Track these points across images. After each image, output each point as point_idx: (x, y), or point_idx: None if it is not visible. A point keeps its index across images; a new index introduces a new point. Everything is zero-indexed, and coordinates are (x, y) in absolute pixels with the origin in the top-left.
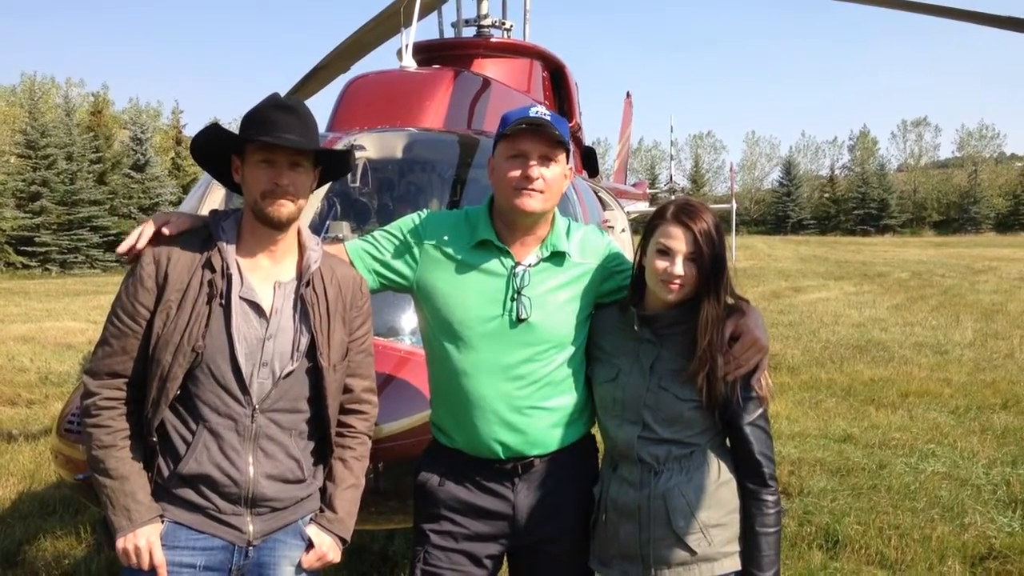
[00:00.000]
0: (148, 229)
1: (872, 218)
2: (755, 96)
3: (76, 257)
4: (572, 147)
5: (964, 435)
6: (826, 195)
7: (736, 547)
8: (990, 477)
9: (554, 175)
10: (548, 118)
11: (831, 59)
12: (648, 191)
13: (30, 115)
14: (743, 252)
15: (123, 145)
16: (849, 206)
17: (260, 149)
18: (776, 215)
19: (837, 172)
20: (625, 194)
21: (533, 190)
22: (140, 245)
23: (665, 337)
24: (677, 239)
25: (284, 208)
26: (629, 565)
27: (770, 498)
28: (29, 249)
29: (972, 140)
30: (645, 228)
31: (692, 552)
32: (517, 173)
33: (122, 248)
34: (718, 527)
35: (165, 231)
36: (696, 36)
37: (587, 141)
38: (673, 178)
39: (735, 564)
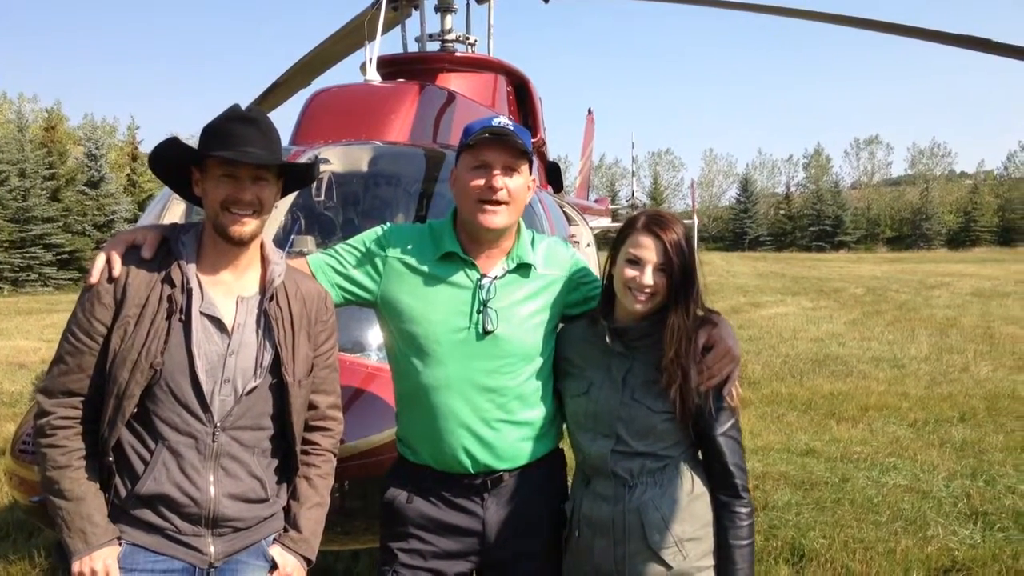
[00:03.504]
0: (116, 255)
1: (827, 234)
2: (713, 114)
3: (28, 275)
4: (536, 161)
5: (924, 448)
6: (782, 212)
7: (711, 561)
8: (951, 490)
9: (517, 186)
10: (511, 128)
11: (786, 78)
12: (610, 207)
13: None
14: (703, 268)
15: (77, 161)
16: (805, 223)
17: (221, 163)
18: (734, 231)
19: (793, 190)
20: (588, 210)
21: (498, 201)
22: (116, 273)
23: (636, 349)
24: (647, 248)
25: (246, 226)
26: None
27: (743, 510)
28: None
29: (923, 158)
30: (615, 238)
31: (668, 567)
32: (480, 183)
33: (94, 279)
34: (693, 541)
35: (145, 255)
36: (655, 54)
37: (550, 156)
38: (635, 194)
39: None
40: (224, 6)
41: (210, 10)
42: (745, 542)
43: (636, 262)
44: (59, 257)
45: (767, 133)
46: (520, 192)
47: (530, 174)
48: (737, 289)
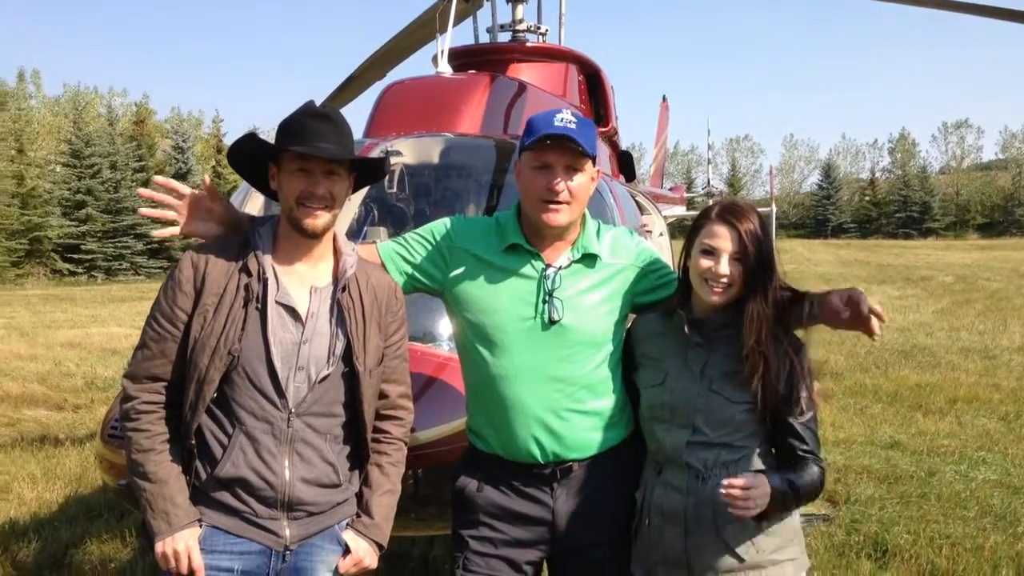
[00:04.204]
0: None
1: (914, 221)
2: (793, 99)
3: (121, 264)
4: (608, 150)
5: (1015, 442)
6: (867, 198)
7: (785, 555)
8: None
9: (579, 184)
10: (574, 127)
11: (870, 60)
12: (685, 195)
13: (75, 125)
14: (783, 256)
15: (165, 154)
16: (890, 209)
17: (296, 158)
18: (815, 219)
19: (878, 175)
20: (662, 198)
21: (560, 202)
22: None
23: (715, 340)
24: (722, 238)
25: (319, 219)
26: (673, 571)
27: (815, 467)
28: (75, 256)
29: (1016, 142)
30: (690, 229)
31: (740, 559)
32: (542, 184)
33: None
34: (766, 534)
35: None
36: (733, 40)
37: (623, 145)
38: (711, 182)
39: (783, 572)
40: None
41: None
42: (807, 482)
43: (711, 252)
44: (149, 246)
45: (850, 118)
46: (582, 190)
47: (594, 166)
48: (819, 277)
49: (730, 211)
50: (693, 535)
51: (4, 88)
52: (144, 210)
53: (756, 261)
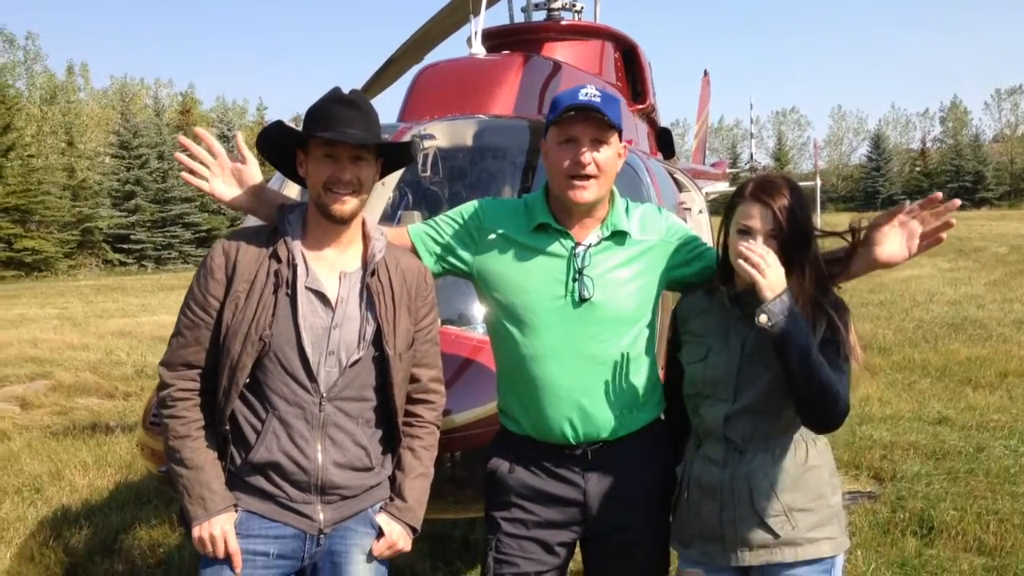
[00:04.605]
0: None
1: (967, 191)
2: (840, 70)
3: (170, 253)
4: (647, 127)
5: None
6: (918, 169)
7: (822, 534)
8: None
9: (606, 158)
10: (598, 100)
11: (918, 28)
12: (728, 171)
13: (122, 116)
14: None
15: None
16: (942, 179)
17: (323, 144)
18: (865, 191)
19: (929, 145)
20: (704, 174)
21: (587, 176)
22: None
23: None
24: (755, 218)
25: (347, 204)
26: (709, 545)
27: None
28: (125, 246)
29: None
30: (726, 207)
31: (775, 535)
32: (569, 159)
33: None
34: (803, 512)
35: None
36: (775, 10)
37: (664, 122)
38: (754, 156)
39: (819, 551)
40: None
41: None
42: (826, 372)
43: (747, 232)
44: (197, 235)
45: (900, 87)
46: (609, 164)
47: (620, 140)
48: None
49: (763, 188)
50: (729, 509)
51: (54, 82)
52: (179, 155)
53: (792, 236)
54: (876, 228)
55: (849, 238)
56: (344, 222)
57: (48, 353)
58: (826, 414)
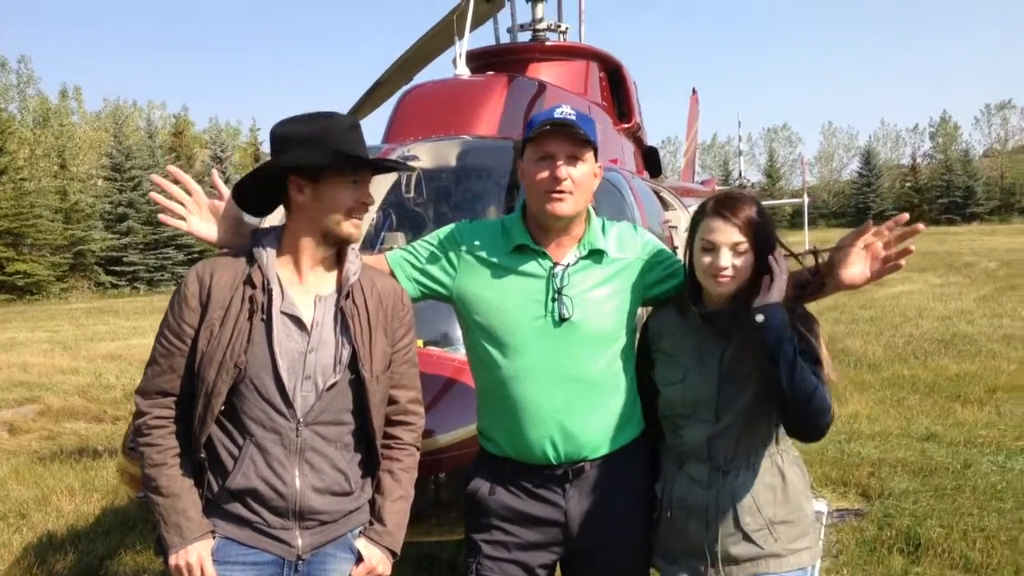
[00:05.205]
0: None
1: (957, 206)
2: (830, 87)
3: (162, 275)
4: (633, 147)
5: None
6: (908, 184)
7: (802, 544)
8: None
9: (582, 174)
10: (573, 117)
11: (909, 45)
12: (717, 188)
13: (115, 139)
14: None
15: (204, 164)
16: (933, 195)
17: (349, 170)
18: (856, 207)
19: (919, 160)
20: (692, 192)
21: (563, 191)
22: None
23: (729, 331)
24: (719, 232)
25: (360, 228)
26: (696, 562)
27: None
28: (117, 269)
29: None
30: (690, 227)
31: (760, 548)
32: (545, 175)
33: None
34: (785, 524)
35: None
36: (766, 27)
37: (656, 140)
38: (743, 174)
39: (801, 561)
40: (335, 4)
41: (319, 9)
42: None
43: (711, 248)
44: (190, 257)
45: (889, 103)
46: (585, 180)
47: (596, 159)
48: None
49: (724, 204)
50: (715, 527)
51: (47, 105)
52: (154, 195)
53: (758, 247)
54: (841, 249)
55: (811, 261)
56: (351, 243)
57: (37, 377)
58: (815, 422)
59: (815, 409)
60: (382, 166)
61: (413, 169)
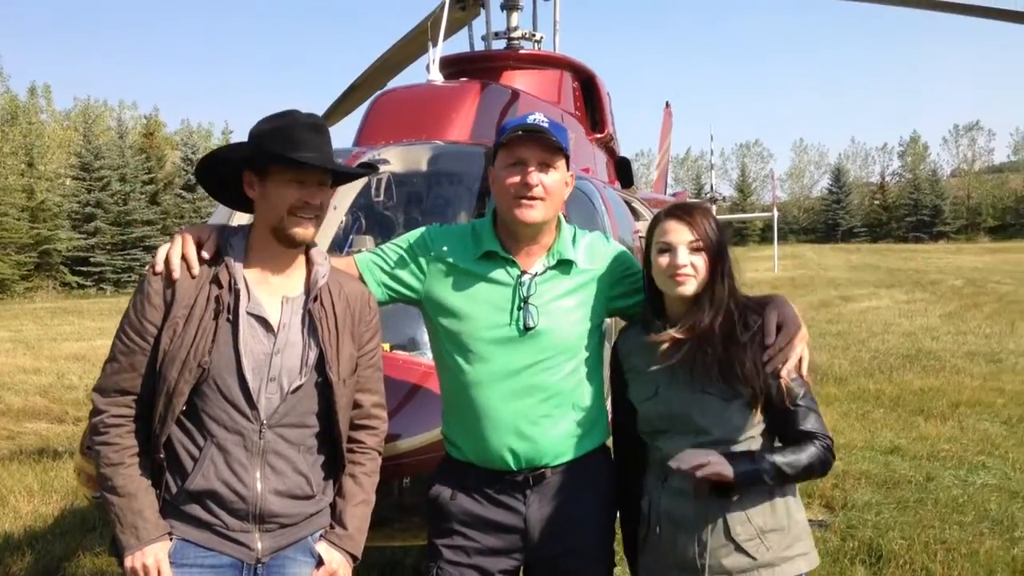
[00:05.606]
0: (190, 249)
1: (925, 225)
2: (803, 104)
3: (130, 276)
4: (605, 157)
5: (1016, 446)
6: (877, 202)
7: (796, 551)
8: None
9: (553, 181)
10: (546, 124)
11: (880, 65)
12: (688, 201)
13: (84, 138)
14: (792, 261)
15: (175, 166)
16: (901, 213)
17: (291, 168)
18: (826, 223)
19: (888, 179)
20: (664, 203)
21: (533, 198)
22: (175, 276)
23: (697, 341)
24: (674, 231)
25: (309, 229)
26: (687, 575)
27: (820, 442)
28: (84, 269)
29: None
30: (646, 237)
31: (752, 558)
32: (516, 180)
33: (159, 268)
34: (775, 532)
35: (205, 255)
36: (741, 44)
37: (629, 153)
38: (714, 187)
39: (796, 568)
40: (309, 8)
41: (293, 14)
42: (796, 460)
43: (667, 248)
44: None
45: (860, 122)
46: (556, 187)
47: (567, 167)
48: (828, 282)
49: (677, 207)
50: (705, 539)
51: (15, 103)
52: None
53: (714, 247)
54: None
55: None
56: (301, 246)
57: None
58: (823, 473)
59: (818, 474)
60: (312, 165)
61: (364, 174)
